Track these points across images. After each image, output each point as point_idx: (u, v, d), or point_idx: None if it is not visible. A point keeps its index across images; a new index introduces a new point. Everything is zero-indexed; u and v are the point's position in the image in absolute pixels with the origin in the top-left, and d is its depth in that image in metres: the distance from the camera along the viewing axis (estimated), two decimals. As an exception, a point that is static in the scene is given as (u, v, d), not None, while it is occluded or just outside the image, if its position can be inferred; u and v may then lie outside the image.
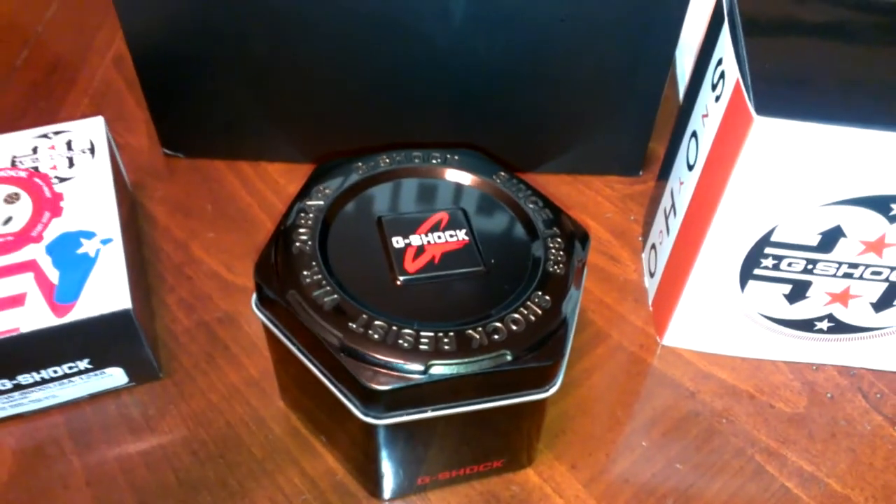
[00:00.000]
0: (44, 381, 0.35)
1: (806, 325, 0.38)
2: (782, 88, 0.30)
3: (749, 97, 0.30)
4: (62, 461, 0.36)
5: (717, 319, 0.38)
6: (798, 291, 0.36)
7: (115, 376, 0.36)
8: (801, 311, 0.37)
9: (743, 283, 0.36)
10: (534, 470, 0.36)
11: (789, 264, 0.35)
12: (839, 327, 0.38)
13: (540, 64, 0.42)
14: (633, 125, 0.46)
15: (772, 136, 0.30)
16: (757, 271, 0.35)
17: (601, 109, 0.45)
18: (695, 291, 0.37)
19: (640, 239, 0.45)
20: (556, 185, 0.48)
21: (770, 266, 0.35)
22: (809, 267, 0.35)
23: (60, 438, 0.36)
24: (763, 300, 0.37)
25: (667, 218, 0.39)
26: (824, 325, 0.38)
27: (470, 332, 0.29)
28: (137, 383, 0.38)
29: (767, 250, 0.34)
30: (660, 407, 0.39)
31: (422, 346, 0.29)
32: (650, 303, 0.42)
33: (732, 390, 0.39)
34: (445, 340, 0.29)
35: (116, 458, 0.36)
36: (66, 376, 0.35)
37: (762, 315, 0.37)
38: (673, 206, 0.38)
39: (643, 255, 0.44)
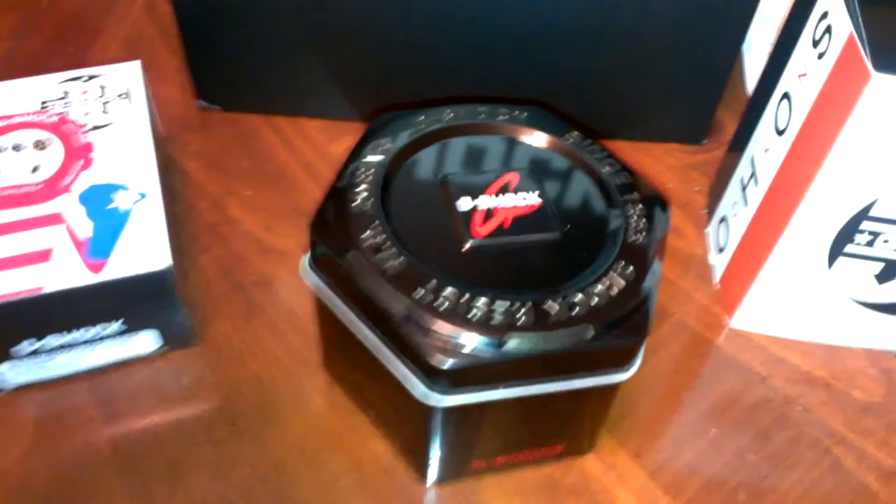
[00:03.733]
0: (72, 345, 0.32)
1: (892, 309, 0.35)
2: (901, 45, 0.27)
3: (865, 53, 0.27)
4: (87, 431, 0.33)
5: (796, 300, 0.35)
6: (890, 271, 0.33)
7: (147, 340, 0.34)
8: (890, 292, 0.34)
9: (831, 261, 0.33)
10: (595, 456, 0.34)
11: (885, 241, 0.32)
12: (927, 312, 0.35)
13: (606, 22, 0.39)
14: (701, 91, 0.42)
15: (890, 95, 0.27)
16: (849, 248, 0.32)
17: (668, 72, 0.41)
18: (775, 269, 0.34)
19: (705, 211, 0.42)
20: (614, 151, 0.44)
21: (864, 243, 0.32)
22: (907, 245, 0.32)
23: (86, 407, 0.34)
24: (850, 280, 0.34)
25: (744, 188, 0.36)
26: (912, 309, 0.35)
27: (548, 304, 0.27)
28: (171, 349, 0.35)
29: (864, 225, 0.31)
30: (729, 392, 0.36)
31: (495, 319, 0.26)
32: (717, 280, 0.39)
33: (806, 377, 0.37)
34: (521, 313, 0.26)
35: (146, 429, 0.33)
36: (96, 339, 0.33)
37: (846, 296, 0.35)
38: (753, 175, 0.35)
39: (708, 229, 0.41)
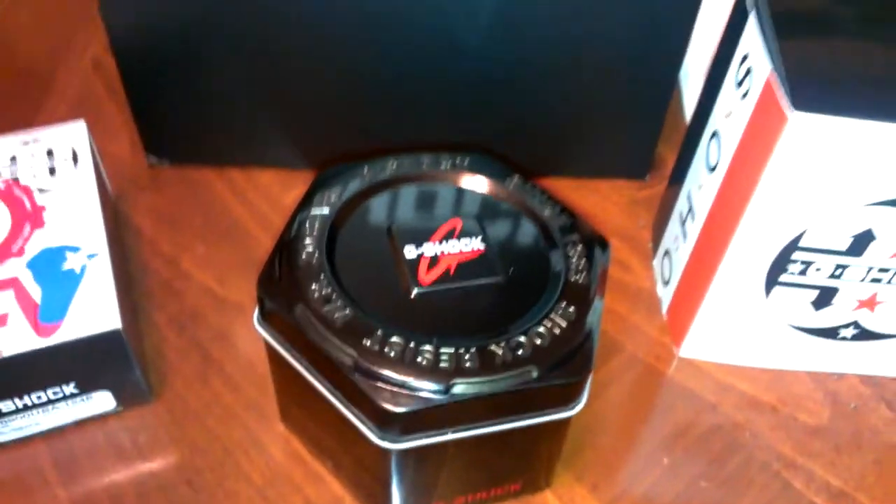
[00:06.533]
0: (26, 408, 0.32)
1: (830, 333, 0.36)
2: (817, 83, 0.29)
3: (784, 92, 0.28)
4: (46, 493, 0.33)
5: (739, 328, 0.36)
6: (824, 298, 0.34)
7: (102, 401, 0.34)
8: (826, 318, 0.35)
9: (768, 290, 0.34)
10: (552, 493, 0.34)
11: (817, 269, 0.33)
12: (863, 334, 0.36)
13: (544, 63, 0.40)
14: (640, 126, 0.44)
15: (808, 133, 0.28)
16: (783, 277, 0.34)
17: (608, 110, 0.43)
18: (716, 300, 0.35)
19: (651, 245, 0.43)
20: (561, 189, 0.46)
21: (797, 272, 0.33)
22: (838, 272, 0.33)
23: (44, 468, 0.34)
24: (788, 308, 0.35)
25: (683, 223, 0.38)
26: (849, 332, 0.36)
27: (493, 347, 0.27)
28: (126, 407, 0.35)
29: (795, 255, 0.33)
30: (680, 421, 0.37)
31: (442, 364, 0.27)
32: (665, 312, 0.40)
33: (754, 402, 0.38)
34: (467, 357, 0.27)
35: (105, 489, 0.33)
36: (50, 402, 0.33)
37: (786, 323, 0.36)
38: (691, 210, 0.37)
39: (654, 263, 0.42)
